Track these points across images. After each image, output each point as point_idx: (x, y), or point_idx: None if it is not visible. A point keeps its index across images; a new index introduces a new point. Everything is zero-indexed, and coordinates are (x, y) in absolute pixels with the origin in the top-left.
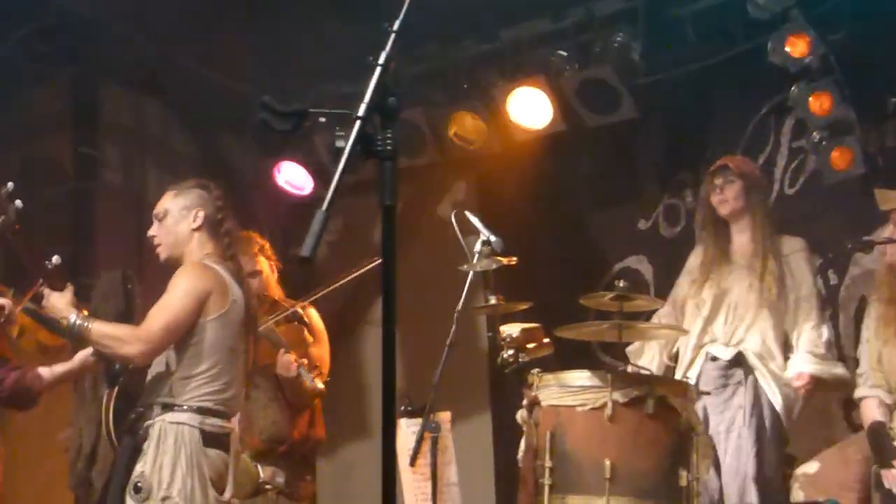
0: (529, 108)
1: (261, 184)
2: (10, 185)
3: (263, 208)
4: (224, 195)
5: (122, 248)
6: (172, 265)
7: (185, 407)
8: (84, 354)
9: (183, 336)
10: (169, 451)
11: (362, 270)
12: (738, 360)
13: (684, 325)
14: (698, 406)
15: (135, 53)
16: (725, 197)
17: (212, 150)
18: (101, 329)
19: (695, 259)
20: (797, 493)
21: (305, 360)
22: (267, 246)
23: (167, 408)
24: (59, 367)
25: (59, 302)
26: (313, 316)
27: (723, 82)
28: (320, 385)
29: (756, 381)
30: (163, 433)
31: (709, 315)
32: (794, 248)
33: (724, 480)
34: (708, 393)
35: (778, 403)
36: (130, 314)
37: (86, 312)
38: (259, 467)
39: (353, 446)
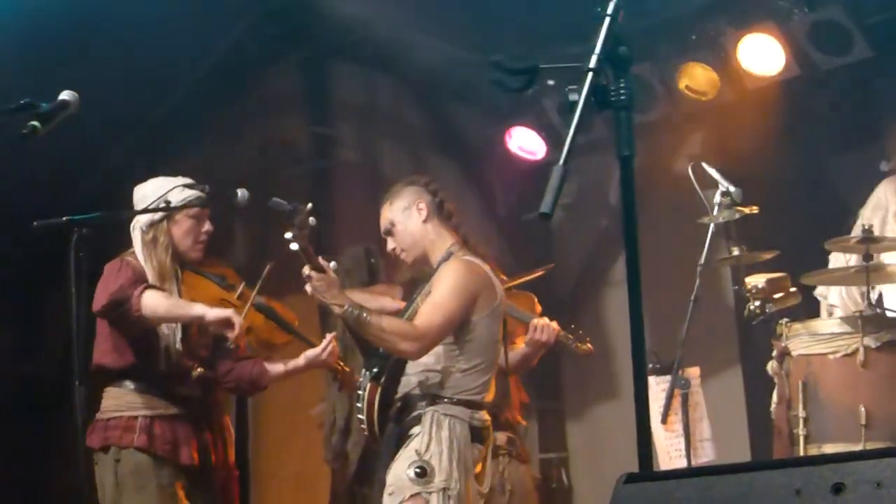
0: (761, 55)
1: (493, 151)
2: (310, 205)
3: (497, 175)
4: (434, 180)
5: (363, 223)
6: (421, 265)
7: (455, 399)
8: (314, 354)
9: (452, 333)
10: (444, 442)
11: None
12: None
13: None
14: None
15: (362, 29)
16: None
17: (444, 121)
18: (378, 322)
19: (885, 190)
20: None
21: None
22: None
23: (437, 399)
24: (288, 365)
25: (331, 287)
26: None
27: None
28: (588, 346)
29: None
30: (434, 423)
31: None
32: None
33: None
34: None
35: None
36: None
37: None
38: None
39: (602, 407)
